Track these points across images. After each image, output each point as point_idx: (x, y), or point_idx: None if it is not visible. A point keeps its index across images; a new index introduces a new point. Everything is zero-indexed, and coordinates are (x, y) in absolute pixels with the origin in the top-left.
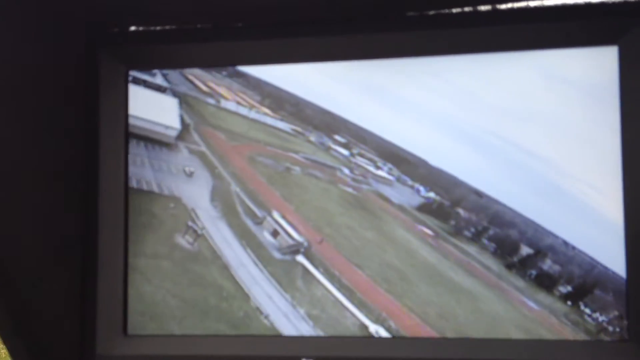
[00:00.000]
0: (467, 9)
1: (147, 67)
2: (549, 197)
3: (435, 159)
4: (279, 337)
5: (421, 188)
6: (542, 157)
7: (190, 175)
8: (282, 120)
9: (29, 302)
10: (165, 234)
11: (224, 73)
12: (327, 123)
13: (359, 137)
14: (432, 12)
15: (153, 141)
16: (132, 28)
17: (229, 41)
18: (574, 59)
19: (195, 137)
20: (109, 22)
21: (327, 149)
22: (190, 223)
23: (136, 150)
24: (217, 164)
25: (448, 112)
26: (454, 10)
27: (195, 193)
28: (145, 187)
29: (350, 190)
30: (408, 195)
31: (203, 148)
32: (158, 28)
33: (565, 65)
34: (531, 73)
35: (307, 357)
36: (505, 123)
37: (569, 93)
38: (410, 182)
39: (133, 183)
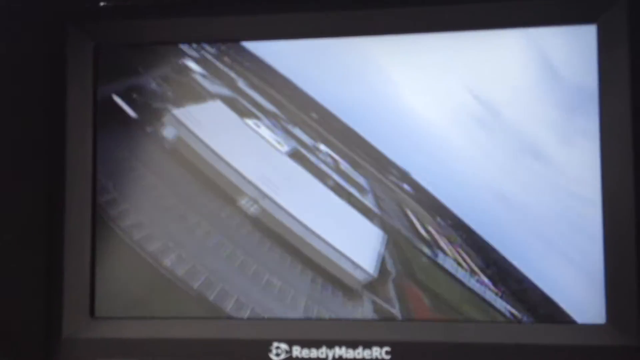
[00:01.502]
0: None
1: (117, 43)
2: None
3: None
4: (250, 321)
5: None
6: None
7: None
8: (502, 297)
9: None
10: None
11: (449, 222)
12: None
13: None
14: None
15: (327, 277)
16: (102, 3)
17: (202, 17)
18: (551, 38)
19: (391, 292)
20: None
21: None
22: None
23: (300, 286)
24: None
25: None
26: None
27: None
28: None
29: None
30: None
31: (395, 310)
32: (129, 3)
33: (543, 45)
34: (508, 51)
35: (278, 341)
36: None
37: (546, 72)
38: None
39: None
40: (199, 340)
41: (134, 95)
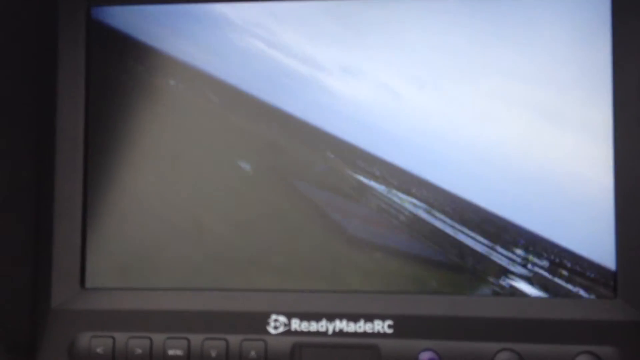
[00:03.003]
0: None
1: (110, 4)
2: None
3: None
4: (247, 292)
5: None
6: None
7: None
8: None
9: None
10: None
11: None
12: None
13: None
14: None
15: None
16: None
17: None
18: (565, 4)
19: None
20: None
21: None
22: None
23: None
24: None
25: None
26: None
27: None
28: None
29: None
30: None
31: None
32: None
33: (557, 10)
34: (521, 18)
35: (277, 313)
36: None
37: (560, 38)
38: None
39: None
40: (193, 312)
41: None
